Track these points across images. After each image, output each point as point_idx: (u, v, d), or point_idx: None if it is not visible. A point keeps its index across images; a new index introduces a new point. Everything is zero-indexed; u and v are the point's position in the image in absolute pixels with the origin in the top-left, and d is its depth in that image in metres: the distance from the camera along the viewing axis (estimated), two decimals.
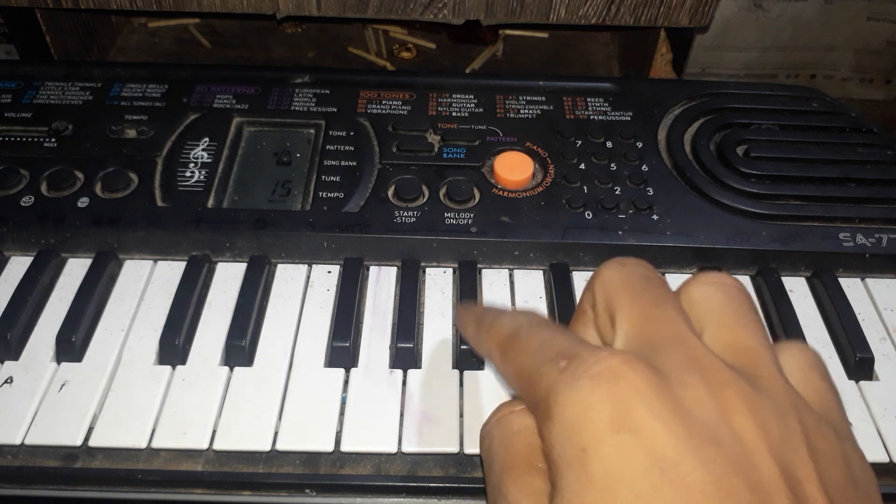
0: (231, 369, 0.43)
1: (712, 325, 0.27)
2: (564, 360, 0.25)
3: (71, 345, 0.43)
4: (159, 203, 0.49)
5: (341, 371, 0.43)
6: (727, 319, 0.27)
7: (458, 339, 0.44)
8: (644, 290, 0.28)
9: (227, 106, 0.56)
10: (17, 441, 0.39)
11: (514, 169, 0.51)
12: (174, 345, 0.43)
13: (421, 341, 0.45)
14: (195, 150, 0.52)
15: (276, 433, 0.40)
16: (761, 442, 0.23)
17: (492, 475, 0.27)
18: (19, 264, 0.48)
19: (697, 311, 0.28)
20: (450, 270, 0.49)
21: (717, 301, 0.28)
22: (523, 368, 0.27)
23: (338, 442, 0.40)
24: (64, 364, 0.43)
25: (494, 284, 0.48)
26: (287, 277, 0.48)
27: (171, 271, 0.48)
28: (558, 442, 0.23)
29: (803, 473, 0.23)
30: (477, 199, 0.50)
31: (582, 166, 0.53)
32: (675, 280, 0.49)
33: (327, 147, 0.53)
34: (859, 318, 0.47)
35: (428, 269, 0.49)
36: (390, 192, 0.50)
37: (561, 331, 0.28)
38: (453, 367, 0.43)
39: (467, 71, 0.78)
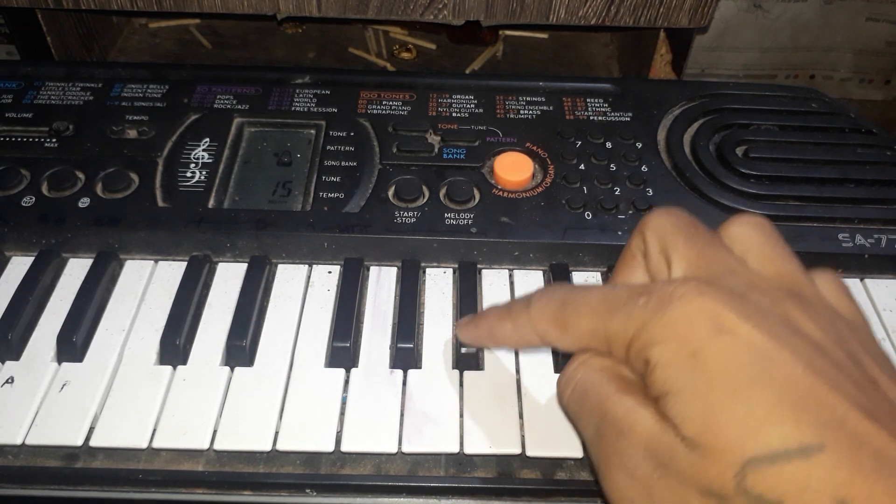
0: (232, 369, 0.43)
1: (754, 257, 0.31)
2: (642, 297, 0.28)
3: (72, 345, 0.43)
4: (160, 203, 0.49)
5: (342, 371, 0.43)
6: (767, 252, 0.32)
7: (458, 339, 0.44)
8: (695, 233, 0.32)
9: (228, 106, 0.56)
10: (18, 441, 0.39)
11: (513, 169, 0.51)
12: (175, 345, 0.43)
13: (421, 341, 0.45)
14: (196, 151, 0.53)
15: (276, 433, 0.40)
16: (825, 336, 0.27)
17: (587, 408, 0.31)
18: (20, 264, 0.48)
19: (740, 247, 0.32)
20: (450, 271, 0.49)
21: (756, 237, 0.32)
22: (593, 326, 0.30)
23: (338, 442, 0.40)
24: (65, 364, 0.43)
25: (494, 285, 0.48)
26: (287, 278, 0.48)
27: (171, 271, 0.48)
28: (664, 356, 0.27)
29: (862, 359, 0.27)
30: (477, 200, 0.50)
31: (582, 167, 0.53)
32: None
33: (328, 147, 0.53)
34: None
35: (428, 270, 0.49)
36: (390, 193, 0.51)
37: (600, 286, 0.32)
38: (453, 367, 0.44)
39: (467, 71, 0.78)
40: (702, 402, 0.26)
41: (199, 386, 0.42)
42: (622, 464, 0.28)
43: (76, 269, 0.48)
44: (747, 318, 0.26)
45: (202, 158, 0.52)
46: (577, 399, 0.32)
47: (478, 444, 0.40)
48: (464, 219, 0.49)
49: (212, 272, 0.49)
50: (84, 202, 0.49)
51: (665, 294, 0.28)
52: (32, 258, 0.48)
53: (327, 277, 0.48)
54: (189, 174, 0.51)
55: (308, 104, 0.56)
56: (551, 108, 0.58)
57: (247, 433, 0.40)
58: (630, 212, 0.50)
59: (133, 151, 0.52)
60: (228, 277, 0.48)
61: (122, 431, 0.40)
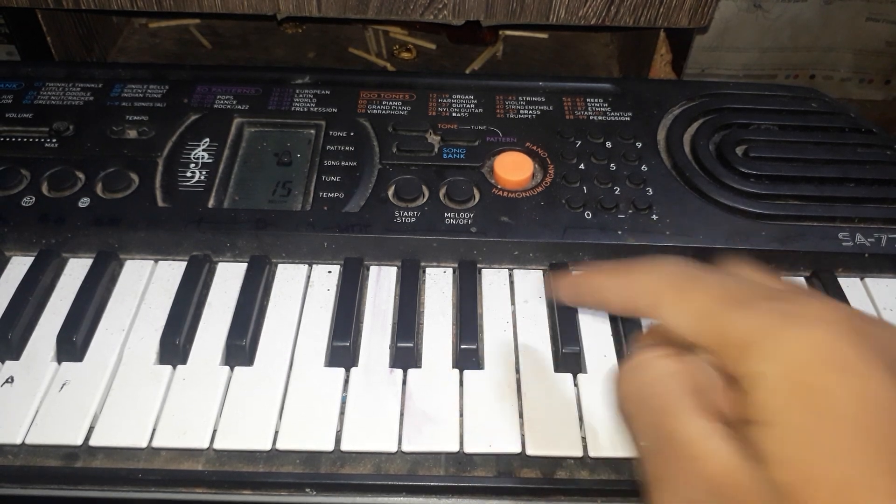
0: (231, 369, 0.43)
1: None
2: (776, 301, 0.25)
3: (72, 344, 0.43)
4: (160, 203, 0.49)
5: (341, 370, 0.43)
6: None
7: (458, 338, 0.44)
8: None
9: (228, 106, 0.56)
10: (18, 441, 0.39)
11: (513, 169, 0.51)
12: (175, 344, 0.43)
13: (421, 341, 0.45)
14: (196, 151, 0.53)
15: (276, 432, 0.40)
16: None
17: (650, 415, 0.27)
18: (20, 264, 0.48)
19: None
20: (450, 270, 0.49)
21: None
22: (711, 309, 0.26)
23: (338, 441, 0.40)
24: (64, 364, 0.43)
25: (494, 284, 0.48)
26: (287, 277, 0.48)
27: (171, 271, 0.48)
28: (775, 377, 0.23)
29: None
30: (477, 199, 0.50)
31: (581, 166, 0.53)
32: None
33: (327, 147, 0.53)
34: None
35: (428, 269, 0.49)
36: (390, 193, 0.51)
37: (729, 276, 0.29)
38: (453, 367, 0.44)
39: (467, 71, 0.78)
40: (808, 447, 0.22)
41: (198, 385, 0.42)
42: (680, 492, 0.24)
43: (76, 269, 0.48)
44: (869, 361, 0.23)
45: (202, 158, 0.52)
46: (639, 402, 0.28)
47: (478, 444, 0.40)
48: (464, 218, 0.49)
49: (212, 272, 0.49)
50: (84, 202, 0.49)
51: (800, 308, 0.25)
52: (32, 258, 0.48)
53: (327, 277, 0.48)
54: (189, 174, 0.51)
55: (308, 104, 0.56)
56: (551, 107, 0.58)
57: (246, 432, 0.40)
58: (630, 211, 0.50)
59: (133, 151, 0.52)
60: (228, 277, 0.48)
61: (122, 431, 0.40)
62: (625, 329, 0.45)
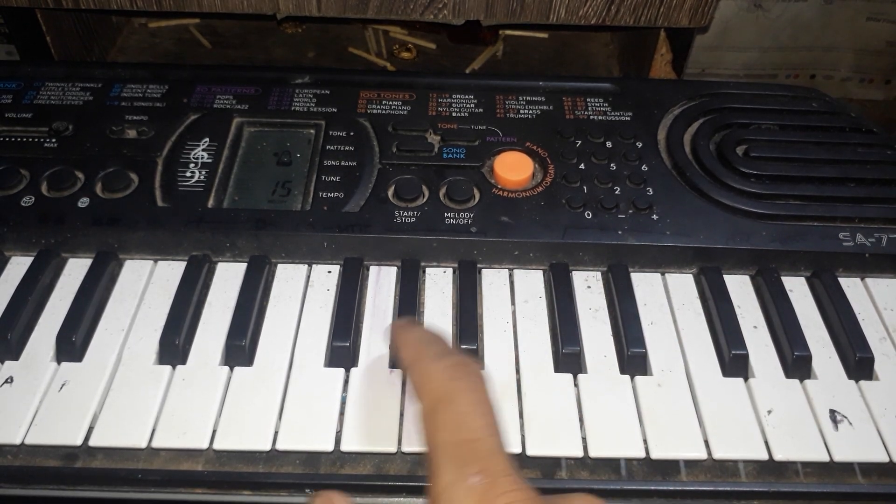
0: (231, 369, 0.43)
1: None
2: (478, 475, 0.27)
3: (71, 345, 0.43)
4: (160, 203, 0.49)
5: (341, 371, 0.43)
6: None
7: (458, 338, 0.44)
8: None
9: (228, 106, 0.56)
10: (18, 441, 0.39)
11: (513, 169, 0.51)
12: (174, 345, 0.43)
13: None
14: (195, 151, 0.52)
15: (276, 433, 0.40)
16: None
17: None
18: (19, 264, 0.48)
19: None
20: (450, 270, 0.49)
21: None
22: (438, 442, 0.29)
23: (338, 441, 0.40)
24: (64, 364, 0.43)
25: (494, 284, 0.48)
26: (287, 277, 0.48)
27: (171, 271, 0.48)
28: None
29: None
30: (477, 199, 0.50)
31: (582, 166, 0.53)
32: (673, 280, 0.49)
33: (327, 147, 0.53)
34: (859, 317, 0.47)
35: (428, 269, 0.49)
36: (390, 192, 0.50)
37: (484, 427, 0.29)
38: None
39: (467, 71, 0.78)
40: None
41: (198, 385, 0.42)
42: None
43: (76, 269, 0.48)
44: None
45: (202, 158, 0.52)
46: None
47: None
48: (464, 218, 0.49)
49: (211, 272, 0.48)
50: (83, 202, 0.49)
51: (491, 493, 0.27)
52: (32, 258, 0.48)
53: (327, 277, 0.48)
54: (189, 174, 0.51)
55: (308, 104, 0.56)
56: (551, 107, 0.58)
57: (246, 433, 0.40)
58: (630, 211, 0.50)
59: (133, 151, 0.52)
60: (228, 277, 0.48)
61: (122, 431, 0.40)
62: (625, 329, 0.45)
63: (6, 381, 0.42)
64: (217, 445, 0.39)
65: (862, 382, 0.44)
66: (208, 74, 0.59)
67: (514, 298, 0.48)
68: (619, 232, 0.49)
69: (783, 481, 0.40)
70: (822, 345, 0.46)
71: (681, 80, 0.72)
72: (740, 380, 0.44)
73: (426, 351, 0.34)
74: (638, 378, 0.43)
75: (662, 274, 0.50)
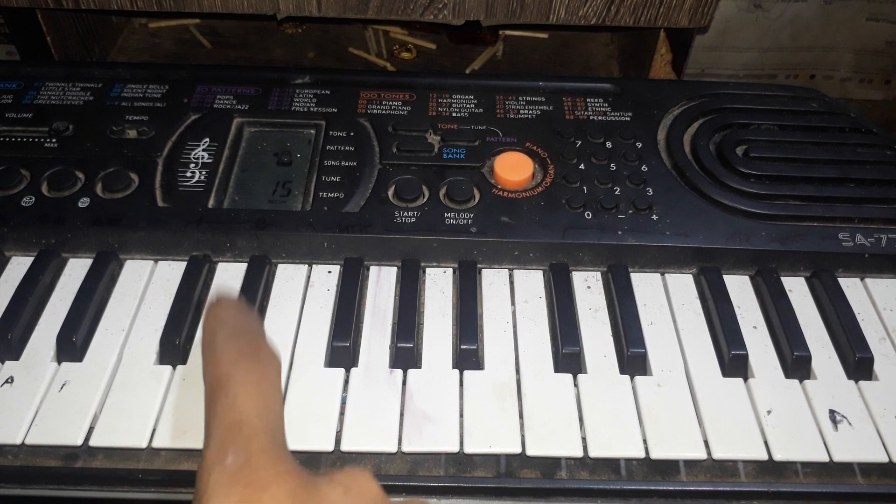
0: None
1: None
2: (234, 454, 0.27)
3: (71, 345, 0.43)
4: (160, 203, 0.49)
5: (341, 371, 0.43)
6: None
7: (458, 338, 0.44)
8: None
9: (228, 106, 0.56)
10: (18, 441, 0.39)
11: (513, 169, 0.51)
12: (175, 345, 0.43)
13: (421, 341, 0.45)
14: (196, 151, 0.53)
15: None
16: None
17: None
18: (20, 264, 0.48)
19: None
20: (450, 270, 0.49)
21: None
22: (209, 427, 0.28)
23: (338, 441, 0.40)
24: (64, 364, 0.43)
25: (494, 284, 0.48)
26: (287, 277, 0.48)
27: (171, 271, 0.48)
28: None
29: None
30: (477, 200, 0.50)
31: (582, 166, 0.53)
32: (673, 280, 0.49)
33: (327, 147, 0.53)
34: (859, 318, 0.47)
35: (428, 269, 0.49)
36: (390, 193, 0.51)
37: (252, 409, 0.29)
38: (453, 367, 0.44)
39: (467, 71, 0.78)
40: None
41: (199, 386, 0.42)
42: None
43: (76, 269, 0.48)
44: None
45: (202, 158, 0.52)
46: None
47: (478, 444, 0.40)
48: (464, 218, 0.49)
49: (211, 272, 0.49)
50: (84, 202, 0.49)
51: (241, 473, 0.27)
52: (32, 258, 0.48)
53: (327, 277, 0.48)
54: (189, 174, 0.51)
55: (308, 104, 0.56)
56: (551, 107, 0.58)
57: None
58: (630, 211, 0.50)
59: (133, 151, 0.52)
60: (228, 277, 0.48)
61: (122, 431, 0.40)
62: (625, 329, 0.45)
63: (6, 381, 0.42)
64: None
65: (861, 383, 0.44)
66: (208, 74, 0.59)
67: (514, 298, 0.48)
68: (619, 232, 0.49)
69: (783, 481, 0.40)
70: (822, 345, 0.46)
71: (681, 81, 0.72)
72: (740, 380, 0.44)
73: (220, 332, 0.32)
74: (638, 378, 0.43)
75: (662, 274, 0.50)
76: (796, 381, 0.44)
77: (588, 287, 0.49)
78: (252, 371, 0.31)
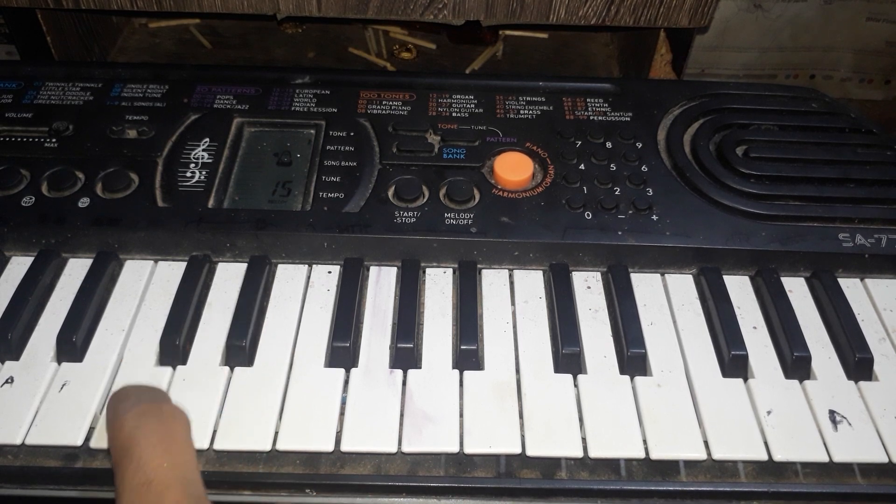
0: (231, 369, 0.43)
1: None
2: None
3: (72, 345, 0.43)
4: (160, 203, 0.49)
5: (341, 371, 0.43)
6: None
7: (458, 338, 0.44)
8: None
9: (228, 106, 0.56)
10: (18, 441, 0.39)
11: (513, 169, 0.51)
12: (175, 345, 0.43)
13: (421, 341, 0.45)
14: (196, 151, 0.53)
15: (276, 433, 0.40)
16: None
17: None
18: (20, 264, 0.48)
19: None
20: (450, 270, 0.49)
21: None
22: (121, 495, 0.30)
23: (338, 442, 0.40)
24: (64, 364, 0.43)
25: (494, 284, 0.48)
26: (287, 277, 0.48)
27: (171, 271, 0.48)
28: None
29: None
30: (477, 200, 0.50)
31: (582, 167, 0.53)
32: (673, 280, 0.49)
33: (327, 147, 0.53)
34: (859, 318, 0.47)
35: (428, 270, 0.49)
36: (390, 193, 0.51)
37: (158, 467, 0.31)
38: (453, 367, 0.44)
39: (467, 71, 0.78)
40: None
41: (198, 386, 0.42)
42: None
43: (76, 269, 0.48)
44: None
45: (202, 158, 0.52)
46: None
47: (478, 444, 0.40)
48: (464, 219, 0.49)
49: (211, 272, 0.49)
50: (84, 202, 0.49)
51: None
52: (32, 258, 0.48)
53: (327, 277, 0.48)
54: (189, 174, 0.51)
55: (308, 104, 0.56)
56: (551, 108, 0.58)
57: (246, 433, 0.40)
58: (630, 212, 0.50)
59: (133, 151, 0.52)
60: (228, 277, 0.48)
61: None
62: (625, 330, 0.45)
63: (6, 382, 0.42)
64: (217, 446, 0.39)
65: (861, 383, 0.44)
66: (208, 74, 0.59)
67: (514, 299, 0.48)
68: (619, 232, 0.49)
69: (783, 482, 0.40)
70: (822, 345, 0.46)
71: (681, 81, 0.72)
72: (740, 380, 0.44)
73: (121, 405, 0.34)
74: (638, 378, 0.43)
75: (662, 274, 0.50)
76: (796, 382, 0.44)
77: (588, 287, 0.49)
78: (155, 431, 0.32)
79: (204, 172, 0.51)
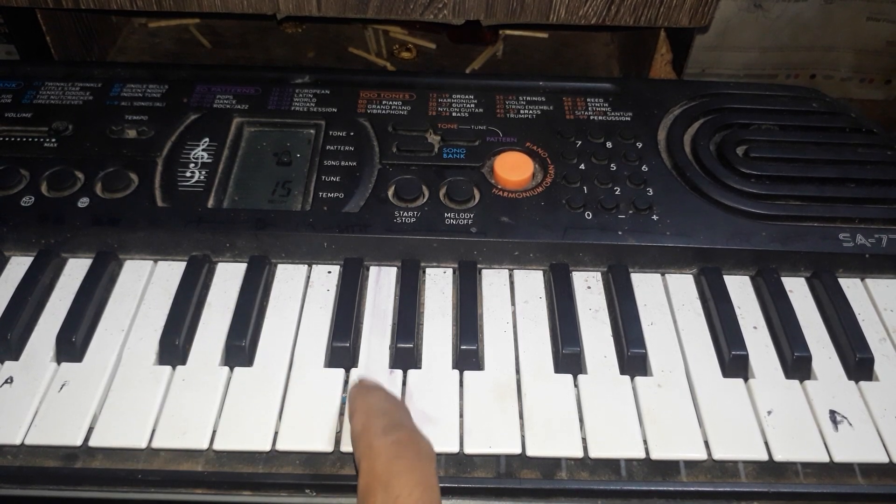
0: (231, 369, 0.43)
1: None
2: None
3: (71, 345, 0.43)
4: (159, 203, 0.49)
5: (341, 371, 0.43)
6: None
7: (458, 338, 0.44)
8: None
9: (228, 106, 0.56)
10: (18, 441, 0.39)
11: (514, 169, 0.51)
12: (174, 345, 0.43)
13: (421, 341, 0.45)
14: (195, 151, 0.52)
15: (276, 433, 0.40)
16: None
17: None
18: (19, 264, 0.48)
19: None
20: (450, 270, 0.49)
21: None
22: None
23: (338, 442, 0.40)
24: (64, 364, 0.43)
25: (494, 284, 0.48)
26: (287, 277, 0.48)
27: (171, 271, 0.48)
28: None
29: None
30: (477, 200, 0.50)
31: (582, 167, 0.53)
32: (673, 280, 0.49)
33: (327, 147, 0.53)
34: (859, 318, 0.47)
35: (428, 270, 0.49)
36: (390, 193, 0.50)
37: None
38: (453, 367, 0.44)
39: (467, 71, 0.78)
40: None
41: (198, 386, 0.42)
42: None
43: (75, 269, 0.48)
44: None
45: (202, 158, 0.52)
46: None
47: (478, 444, 0.40)
48: (464, 219, 0.49)
49: (211, 272, 0.48)
50: (83, 202, 0.49)
51: None
52: (32, 258, 0.48)
53: (327, 277, 0.48)
54: (188, 174, 0.51)
55: (308, 104, 0.56)
56: (551, 107, 0.57)
57: (246, 433, 0.40)
58: (630, 212, 0.50)
59: (132, 151, 0.52)
60: (228, 277, 0.48)
61: (122, 431, 0.40)
62: (625, 330, 0.45)
63: (6, 382, 0.42)
64: (217, 446, 0.39)
65: (862, 383, 0.44)
66: (208, 74, 0.59)
67: (514, 299, 0.48)
68: (620, 232, 0.49)
69: (783, 482, 0.40)
70: (822, 345, 0.46)
71: (681, 81, 0.72)
72: (740, 380, 0.44)
73: (375, 423, 0.35)
74: (638, 379, 0.43)
75: (662, 274, 0.50)
76: (797, 382, 0.44)
77: (588, 287, 0.49)
78: (415, 469, 0.33)
79: (203, 172, 0.51)
